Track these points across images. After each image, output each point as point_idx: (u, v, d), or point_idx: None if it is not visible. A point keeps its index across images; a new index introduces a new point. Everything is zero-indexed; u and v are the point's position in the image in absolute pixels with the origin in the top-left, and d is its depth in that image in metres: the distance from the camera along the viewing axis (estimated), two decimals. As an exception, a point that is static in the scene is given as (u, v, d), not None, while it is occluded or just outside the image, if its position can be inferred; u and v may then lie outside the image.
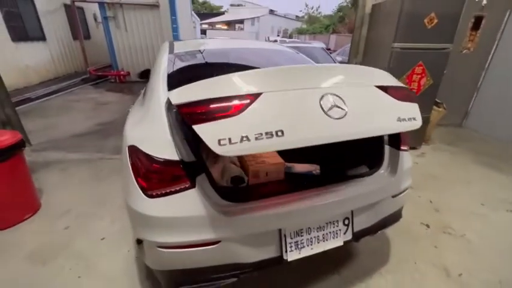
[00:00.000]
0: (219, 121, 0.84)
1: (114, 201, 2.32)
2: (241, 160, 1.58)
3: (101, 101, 6.02)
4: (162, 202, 1.03)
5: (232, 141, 0.81)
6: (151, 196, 1.03)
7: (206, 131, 0.83)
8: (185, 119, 0.90)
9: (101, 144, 3.58)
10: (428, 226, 2.12)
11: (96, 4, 7.57)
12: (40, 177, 2.65)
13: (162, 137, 1.13)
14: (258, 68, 1.93)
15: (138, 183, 1.06)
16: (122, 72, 7.88)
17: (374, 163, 1.41)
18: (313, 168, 1.60)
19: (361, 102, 1.06)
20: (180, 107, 0.93)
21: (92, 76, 8.16)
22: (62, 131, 4.02)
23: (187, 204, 1.03)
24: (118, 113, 5.17)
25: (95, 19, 10.63)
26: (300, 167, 1.62)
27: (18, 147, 1.95)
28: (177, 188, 1.03)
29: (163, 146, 1.10)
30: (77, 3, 8.24)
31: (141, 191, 1.05)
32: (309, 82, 1.06)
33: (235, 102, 0.88)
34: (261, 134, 0.83)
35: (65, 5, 8.56)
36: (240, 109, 0.87)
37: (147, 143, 1.12)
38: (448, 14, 2.96)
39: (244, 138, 0.82)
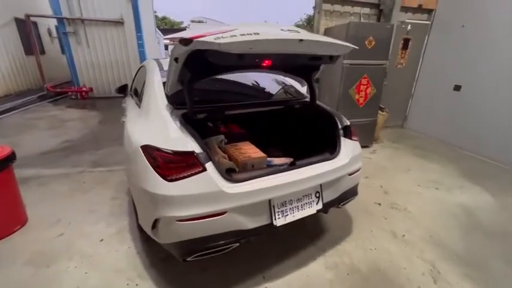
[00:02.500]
0: (211, 35, 1.16)
1: (104, 209, 2.42)
2: (230, 156, 1.90)
3: (64, 118, 5.79)
4: (181, 184, 1.30)
5: (224, 37, 1.12)
6: (171, 180, 1.30)
7: (204, 39, 1.14)
8: (189, 41, 1.20)
9: (75, 159, 3.55)
10: (380, 204, 2.64)
11: (50, 18, 7.30)
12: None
13: (173, 135, 1.43)
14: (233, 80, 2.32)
15: (157, 173, 1.32)
16: (84, 89, 7.64)
17: (334, 150, 1.85)
18: (289, 160, 1.99)
19: (313, 36, 1.49)
20: (186, 38, 1.22)
21: (49, 93, 7.74)
22: (28, 150, 3.83)
23: (201, 183, 1.32)
24: (86, 129, 5.06)
25: (50, 34, 10.15)
26: (278, 160, 2.00)
27: (9, 160, 2.01)
28: (193, 172, 1.32)
29: (175, 142, 1.39)
30: (31, 18, 7.88)
31: (161, 178, 1.31)
32: (272, 29, 1.46)
33: (221, 31, 1.22)
34: (244, 33, 1.17)
35: (16, 19, 8.09)
36: (225, 32, 1.21)
37: (162, 141, 1.40)
38: (381, 38, 3.72)
39: (233, 36, 1.14)
